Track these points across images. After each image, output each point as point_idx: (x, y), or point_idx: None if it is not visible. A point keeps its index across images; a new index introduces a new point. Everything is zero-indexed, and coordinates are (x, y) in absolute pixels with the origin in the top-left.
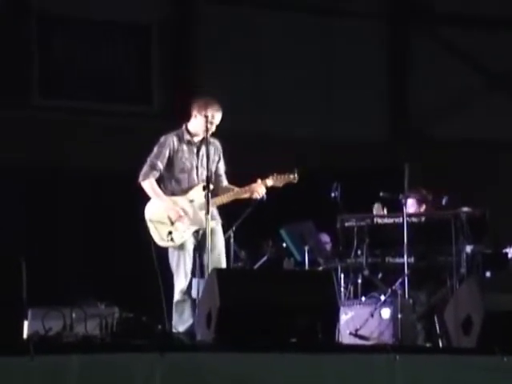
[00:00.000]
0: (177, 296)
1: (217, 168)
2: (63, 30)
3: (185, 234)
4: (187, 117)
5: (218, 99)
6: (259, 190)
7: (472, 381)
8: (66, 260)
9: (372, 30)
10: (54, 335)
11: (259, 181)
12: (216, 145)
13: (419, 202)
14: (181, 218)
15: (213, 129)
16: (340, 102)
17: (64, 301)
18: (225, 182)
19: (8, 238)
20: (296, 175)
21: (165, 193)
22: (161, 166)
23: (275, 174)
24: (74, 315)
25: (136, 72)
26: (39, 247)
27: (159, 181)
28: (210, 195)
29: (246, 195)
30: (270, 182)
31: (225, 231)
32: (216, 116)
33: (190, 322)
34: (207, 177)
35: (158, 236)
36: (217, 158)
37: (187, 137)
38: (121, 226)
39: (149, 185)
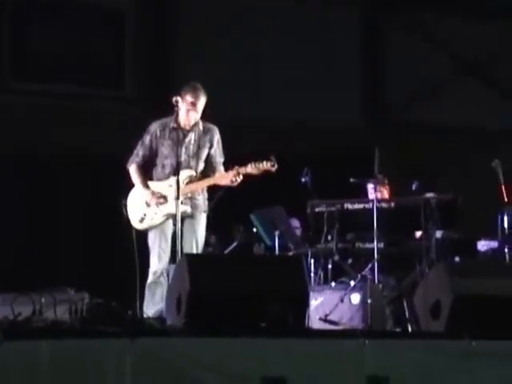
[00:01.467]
0: (150, 277)
1: (209, 154)
2: (38, 13)
3: (155, 216)
4: (167, 104)
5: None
6: (235, 177)
7: (441, 365)
8: (35, 245)
9: (347, 16)
10: (24, 320)
11: (236, 168)
12: (211, 130)
13: (377, 187)
14: (155, 200)
15: (197, 113)
16: (314, 88)
17: (33, 286)
18: (218, 169)
19: None
20: (274, 163)
21: (151, 179)
22: (141, 152)
23: (253, 163)
24: (43, 300)
25: (109, 56)
26: (8, 232)
27: (148, 167)
28: (179, 181)
29: (223, 182)
30: (247, 169)
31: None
32: (198, 102)
33: (161, 305)
34: (177, 162)
35: (133, 218)
36: (208, 144)
37: (173, 124)
38: (92, 210)
39: (131, 171)
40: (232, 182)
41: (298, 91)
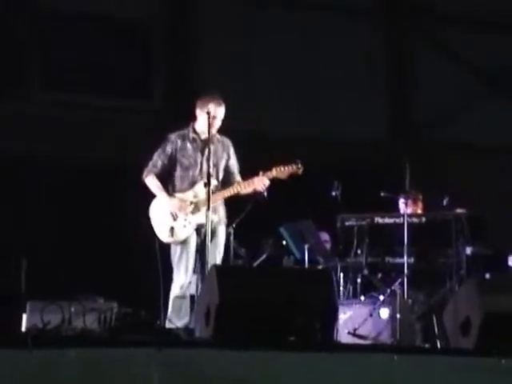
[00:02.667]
0: (176, 291)
1: (227, 166)
2: (64, 25)
3: (186, 230)
4: (191, 115)
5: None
6: (261, 182)
7: (469, 382)
8: (65, 254)
9: (374, 30)
10: (53, 329)
11: (261, 173)
12: (225, 142)
13: (408, 202)
14: (184, 210)
15: (216, 124)
16: (342, 102)
17: (63, 295)
18: (237, 179)
19: (8, 232)
20: (300, 165)
21: (170, 190)
22: (160, 163)
23: (278, 166)
24: (72, 309)
25: (137, 67)
26: (39, 242)
27: (166, 179)
28: (210, 191)
29: (249, 189)
30: (272, 173)
31: (226, 229)
32: (218, 111)
33: (187, 319)
34: (208, 172)
35: (161, 232)
36: (225, 156)
37: (192, 135)
38: (121, 220)
39: (150, 181)
40: (259, 188)
41: (327, 104)
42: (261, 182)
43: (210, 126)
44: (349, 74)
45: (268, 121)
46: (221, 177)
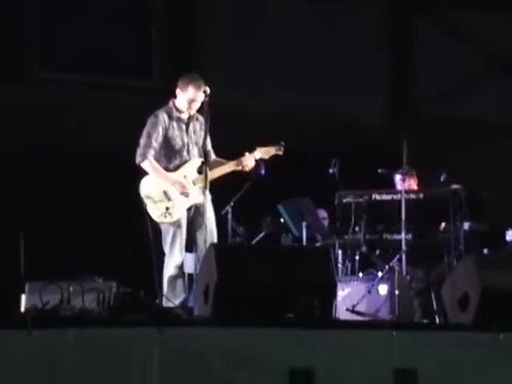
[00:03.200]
0: (171, 271)
1: (204, 143)
2: (65, 5)
3: (182, 209)
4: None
5: (215, 74)
6: (248, 162)
7: (468, 357)
8: (63, 234)
9: (373, 10)
10: (51, 309)
11: (247, 154)
12: (200, 120)
13: (405, 178)
14: (185, 190)
15: (195, 106)
16: (340, 81)
17: (61, 275)
18: (213, 156)
19: (4, 213)
20: (281, 147)
21: None
22: (155, 144)
23: (261, 147)
24: (71, 289)
25: (136, 46)
26: (37, 222)
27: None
28: (207, 170)
29: (237, 168)
30: (257, 154)
31: (223, 207)
32: (198, 95)
33: (183, 296)
34: (205, 151)
35: (155, 212)
36: (203, 133)
37: (176, 113)
38: (119, 201)
39: (149, 164)
40: (246, 168)
41: (324, 84)
42: (247, 162)
43: (190, 108)
44: (349, 53)
45: (268, 98)
46: (202, 155)
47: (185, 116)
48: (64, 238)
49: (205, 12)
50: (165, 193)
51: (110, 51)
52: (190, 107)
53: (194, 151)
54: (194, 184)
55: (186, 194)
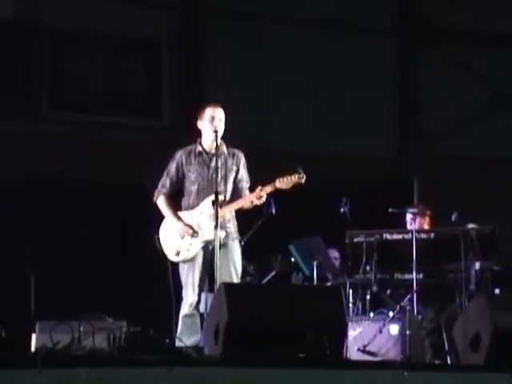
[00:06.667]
0: (185, 310)
1: (236, 178)
2: (74, 44)
3: (191, 248)
4: (198, 131)
5: (226, 111)
6: (258, 196)
7: None
8: (74, 273)
9: (383, 45)
10: (62, 348)
11: (259, 187)
12: (236, 154)
13: (415, 218)
14: (188, 233)
15: (219, 127)
16: (350, 117)
17: (72, 314)
18: (245, 193)
19: (15, 251)
20: (302, 174)
21: (180, 207)
22: (168, 182)
23: (280, 177)
24: (81, 328)
25: (146, 86)
26: (47, 261)
27: (176, 196)
28: (218, 208)
29: (248, 203)
30: (275, 185)
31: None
32: (216, 112)
33: (197, 336)
34: (216, 189)
35: (170, 251)
36: (235, 168)
37: (199, 148)
38: (130, 240)
39: (160, 203)
40: (256, 202)
41: (336, 120)
42: (256, 197)
43: (216, 131)
44: (359, 88)
45: (276, 136)
46: (230, 190)
47: (210, 150)
48: (74, 277)
49: (214, 51)
50: (178, 232)
51: (120, 91)
52: (212, 125)
53: (220, 186)
54: (211, 221)
55: (193, 235)
